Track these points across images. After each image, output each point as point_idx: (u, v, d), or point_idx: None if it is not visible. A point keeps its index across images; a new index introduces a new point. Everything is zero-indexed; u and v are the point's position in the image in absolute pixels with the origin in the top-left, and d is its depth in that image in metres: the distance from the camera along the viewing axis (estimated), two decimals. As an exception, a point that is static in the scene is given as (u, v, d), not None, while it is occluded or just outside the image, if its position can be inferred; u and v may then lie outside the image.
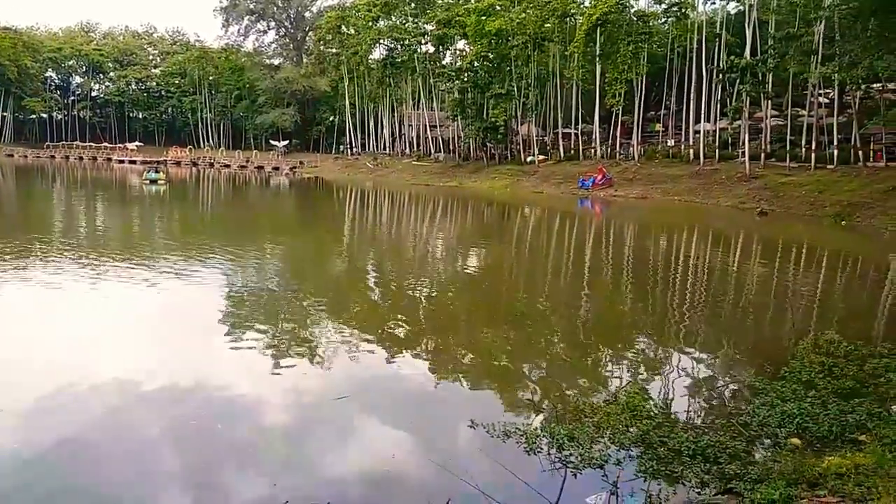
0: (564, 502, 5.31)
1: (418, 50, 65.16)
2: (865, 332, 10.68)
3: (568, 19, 51.25)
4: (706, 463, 5.88)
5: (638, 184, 42.07)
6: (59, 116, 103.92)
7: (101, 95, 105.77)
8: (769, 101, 39.21)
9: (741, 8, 44.90)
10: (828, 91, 38.64)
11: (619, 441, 6.30)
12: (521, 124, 56.10)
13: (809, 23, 35.18)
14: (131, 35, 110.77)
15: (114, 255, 16.95)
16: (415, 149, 67.88)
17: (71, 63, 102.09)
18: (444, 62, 66.90)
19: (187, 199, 42.73)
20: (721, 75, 41.50)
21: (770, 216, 31.18)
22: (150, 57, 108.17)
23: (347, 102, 74.87)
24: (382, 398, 8.08)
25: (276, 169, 69.40)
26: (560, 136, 53.08)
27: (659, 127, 51.75)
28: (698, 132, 43.39)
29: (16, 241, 18.52)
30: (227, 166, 72.97)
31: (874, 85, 35.43)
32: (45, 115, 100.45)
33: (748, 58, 38.47)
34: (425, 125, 64.74)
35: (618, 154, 48.52)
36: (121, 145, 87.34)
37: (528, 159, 52.68)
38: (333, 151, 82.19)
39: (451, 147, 62.72)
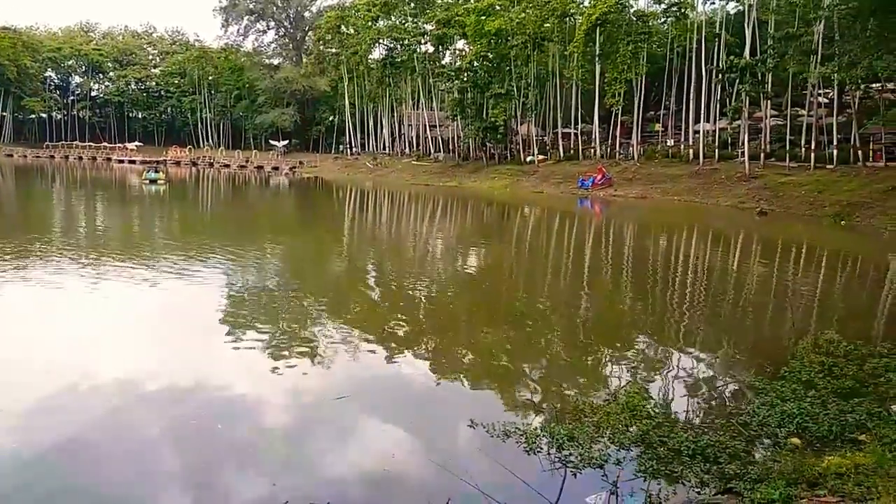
0: (564, 502, 5.31)
1: (418, 50, 65.10)
2: (865, 332, 10.68)
3: (567, 19, 51.21)
4: (706, 462, 5.88)
5: (637, 184, 42.06)
6: (59, 116, 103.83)
7: (101, 95, 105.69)
8: (769, 101, 39.23)
9: (740, 8, 44.88)
10: (827, 91, 38.64)
11: (619, 441, 6.30)
12: (521, 124, 56.08)
13: (809, 23, 35.16)
14: (131, 35, 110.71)
15: (114, 255, 16.97)
16: (414, 149, 67.86)
17: (70, 63, 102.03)
18: (443, 62, 66.79)
19: (187, 198, 42.70)
20: (720, 75, 41.50)
21: (770, 216, 31.18)
22: (150, 57, 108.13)
23: (347, 102, 74.86)
24: (382, 398, 8.09)
25: (276, 169, 69.32)
26: (560, 135, 53.07)
27: (658, 127, 51.70)
28: (698, 132, 43.40)
29: (16, 241, 18.52)
30: (227, 166, 72.88)
31: (874, 85, 35.45)
32: (44, 115, 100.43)
33: (748, 58, 38.46)
34: (425, 125, 64.68)
35: (617, 154, 48.51)
36: (120, 145, 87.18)
37: (528, 159, 52.66)
38: (333, 151, 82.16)
39: (450, 147, 62.71)
